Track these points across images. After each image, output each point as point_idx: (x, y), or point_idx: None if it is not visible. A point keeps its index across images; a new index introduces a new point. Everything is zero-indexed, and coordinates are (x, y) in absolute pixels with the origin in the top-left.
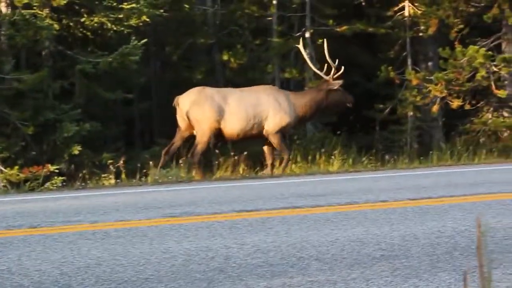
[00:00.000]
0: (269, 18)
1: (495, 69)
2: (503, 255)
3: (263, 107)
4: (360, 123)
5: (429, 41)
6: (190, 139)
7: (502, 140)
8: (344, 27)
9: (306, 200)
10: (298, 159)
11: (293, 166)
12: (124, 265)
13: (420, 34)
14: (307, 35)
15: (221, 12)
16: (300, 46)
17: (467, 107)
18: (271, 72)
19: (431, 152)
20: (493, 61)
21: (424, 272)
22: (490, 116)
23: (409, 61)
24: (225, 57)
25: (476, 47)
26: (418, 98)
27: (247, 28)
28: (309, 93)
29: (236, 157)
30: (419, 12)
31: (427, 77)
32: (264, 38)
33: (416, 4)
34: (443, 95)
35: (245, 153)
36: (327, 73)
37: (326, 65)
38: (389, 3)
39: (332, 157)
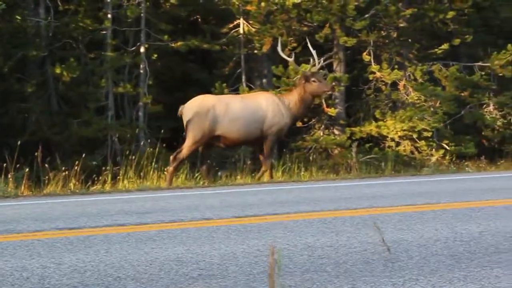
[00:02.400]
0: (104, 32)
1: None
2: (318, 274)
3: (263, 112)
4: None
5: (263, 58)
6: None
7: (333, 157)
8: (179, 43)
9: (131, 217)
10: (130, 174)
11: (125, 181)
12: None
13: (255, 51)
14: (142, 49)
15: (55, 25)
16: (279, 48)
17: (299, 124)
18: (104, 86)
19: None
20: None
21: None
22: (321, 133)
23: (244, 78)
24: (58, 70)
25: (308, 65)
26: None
27: (81, 42)
28: (295, 90)
29: (66, 172)
30: (254, 30)
31: None
32: (98, 52)
33: (250, 22)
34: None
35: (77, 168)
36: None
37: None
38: (224, 20)
39: (165, 172)
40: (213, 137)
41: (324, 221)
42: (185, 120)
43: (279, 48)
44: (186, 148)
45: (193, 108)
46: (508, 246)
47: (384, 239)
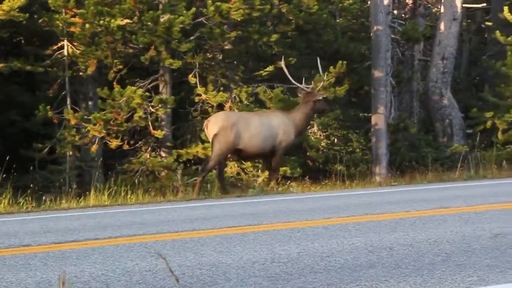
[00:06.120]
0: None
1: (152, 110)
2: None
3: (275, 129)
4: (17, 163)
5: (88, 80)
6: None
7: (160, 179)
8: (1, 65)
9: None
10: None
11: None
12: None
13: (80, 73)
14: None
15: None
16: (282, 64)
17: (126, 147)
18: None
19: (87, 192)
20: (151, 102)
21: None
22: (148, 156)
23: (68, 100)
24: None
25: (134, 87)
26: (77, 138)
27: None
28: (300, 108)
29: None
30: (78, 51)
31: (85, 117)
32: None
33: (75, 44)
34: (102, 135)
35: None
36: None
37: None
38: (48, 42)
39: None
40: (234, 150)
41: (145, 245)
42: (211, 134)
43: (283, 65)
44: (212, 160)
45: (219, 122)
46: (324, 266)
47: (172, 269)
